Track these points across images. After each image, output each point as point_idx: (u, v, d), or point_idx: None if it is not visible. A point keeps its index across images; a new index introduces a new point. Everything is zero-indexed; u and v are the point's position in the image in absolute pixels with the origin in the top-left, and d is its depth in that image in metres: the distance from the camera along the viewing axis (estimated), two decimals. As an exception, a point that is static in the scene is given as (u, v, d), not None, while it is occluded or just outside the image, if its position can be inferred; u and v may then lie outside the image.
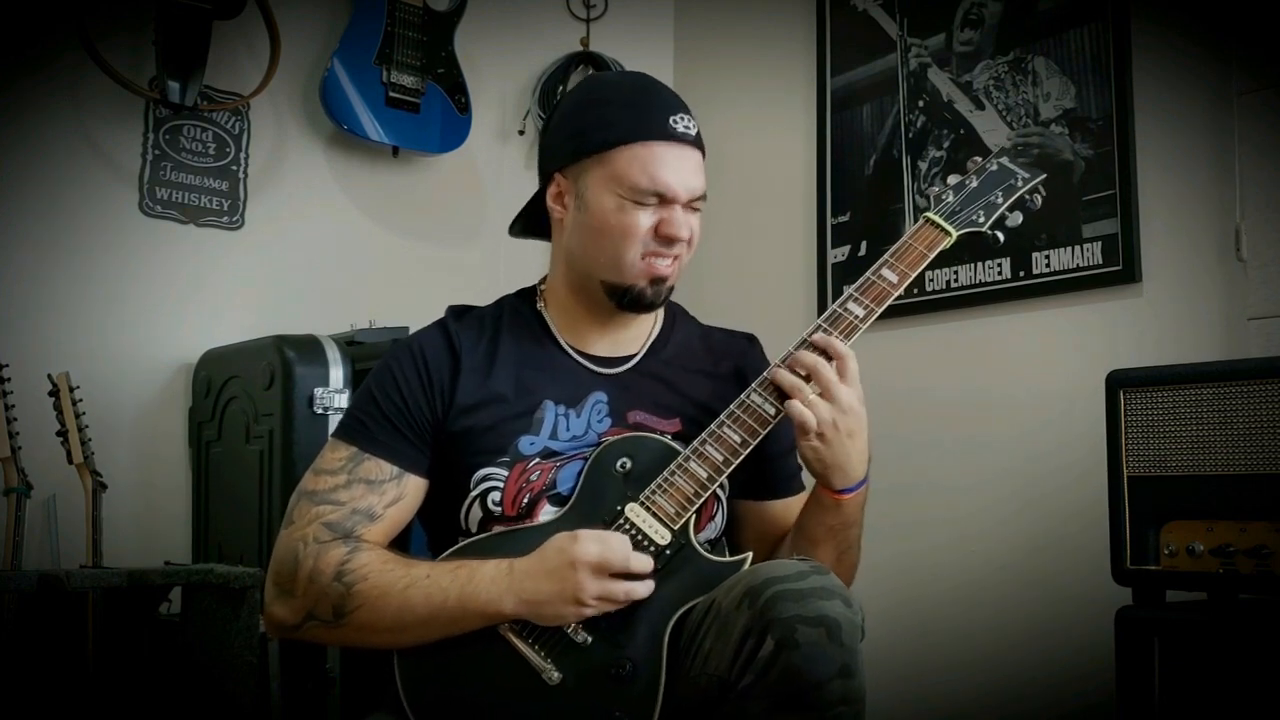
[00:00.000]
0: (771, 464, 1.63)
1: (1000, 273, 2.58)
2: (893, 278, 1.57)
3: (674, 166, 1.51)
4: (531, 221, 1.70)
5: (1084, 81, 2.47)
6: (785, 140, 3.09)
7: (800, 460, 1.52)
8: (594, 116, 1.54)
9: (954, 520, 2.61)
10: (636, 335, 1.65)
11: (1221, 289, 2.25)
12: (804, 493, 1.65)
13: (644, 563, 1.39)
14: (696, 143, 1.55)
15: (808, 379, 1.48)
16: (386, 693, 1.46)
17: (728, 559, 1.46)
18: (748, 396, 1.50)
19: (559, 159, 1.57)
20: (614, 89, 1.57)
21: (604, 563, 1.37)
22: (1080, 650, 2.24)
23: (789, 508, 1.65)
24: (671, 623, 1.41)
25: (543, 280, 1.69)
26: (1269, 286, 2.15)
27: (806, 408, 1.46)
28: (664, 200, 1.52)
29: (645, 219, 1.52)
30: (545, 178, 1.60)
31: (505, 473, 1.50)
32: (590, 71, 3.32)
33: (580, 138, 1.54)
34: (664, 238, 1.53)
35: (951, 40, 2.73)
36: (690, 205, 1.55)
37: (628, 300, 1.57)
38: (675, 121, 1.52)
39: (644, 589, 1.39)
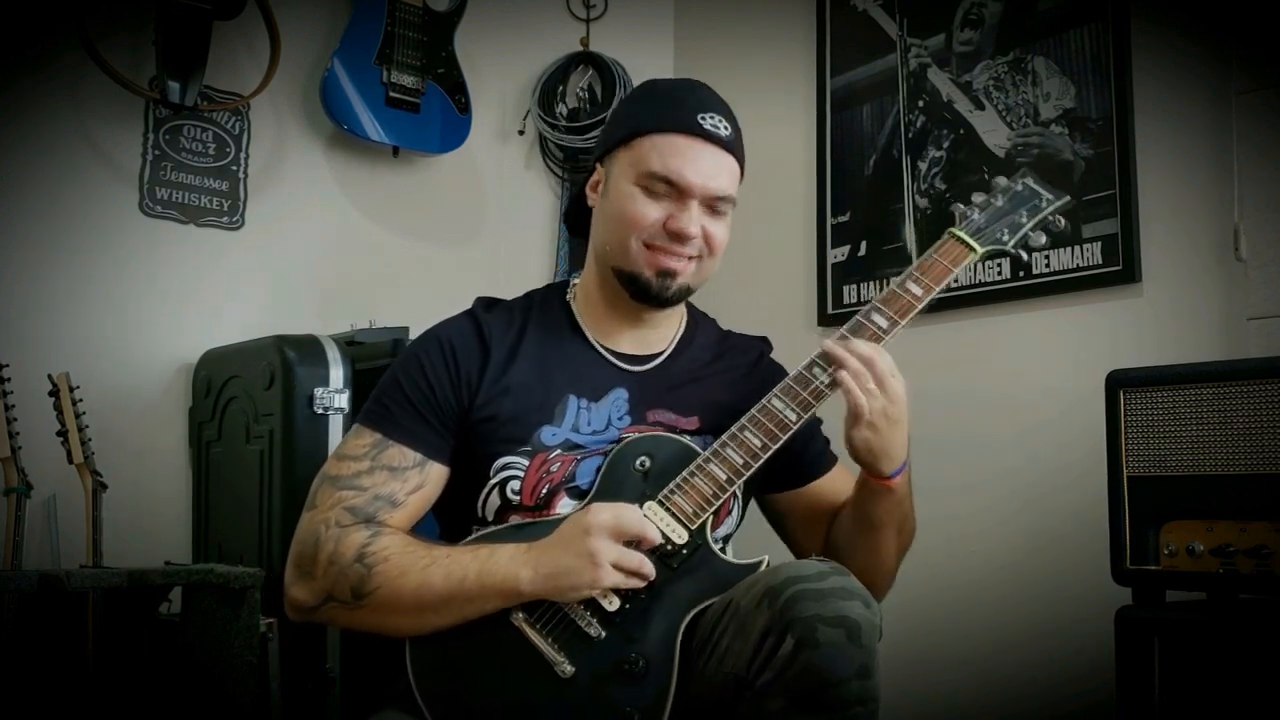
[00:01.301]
0: (801, 450, 1.64)
1: (1000, 273, 2.58)
2: (917, 291, 1.58)
3: (690, 159, 1.54)
4: (577, 220, 1.76)
5: (1084, 81, 2.48)
6: (785, 140, 3.09)
7: (849, 449, 1.53)
8: (632, 109, 1.64)
9: (954, 520, 2.61)
10: (663, 335, 1.67)
11: (1221, 289, 2.25)
12: (837, 464, 1.68)
13: (655, 533, 1.41)
14: (726, 145, 1.57)
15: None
16: (396, 687, 1.46)
17: (743, 561, 1.47)
18: (769, 401, 1.51)
19: (599, 150, 1.65)
20: (658, 87, 1.66)
21: (618, 526, 1.39)
22: (1080, 650, 2.24)
23: (828, 484, 1.68)
24: (686, 621, 1.42)
25: (575, 276, 1.71)
26: (1269, 286, 2.15)
27: (864, 395, 1.47)
28: (678, 194, 1.54)
29: (654, 210, 1.55)
30: (590, 173, 1.67)
31: (526, 462, 1.52)
32: (590, 72, 3.32)
33: (615, 130, 1.62)
34: (671, 233, 1.55)
35: (951, 40, 2.74)
36: (711, 207, 1.57)
37: (636, 289, 1.59)
38: (702, 119, 1.56)
39: (651, 568, 1.41)
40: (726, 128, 1.58)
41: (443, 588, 1.41)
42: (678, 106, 1.58)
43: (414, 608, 1.42)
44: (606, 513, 1.40)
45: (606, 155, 1.62)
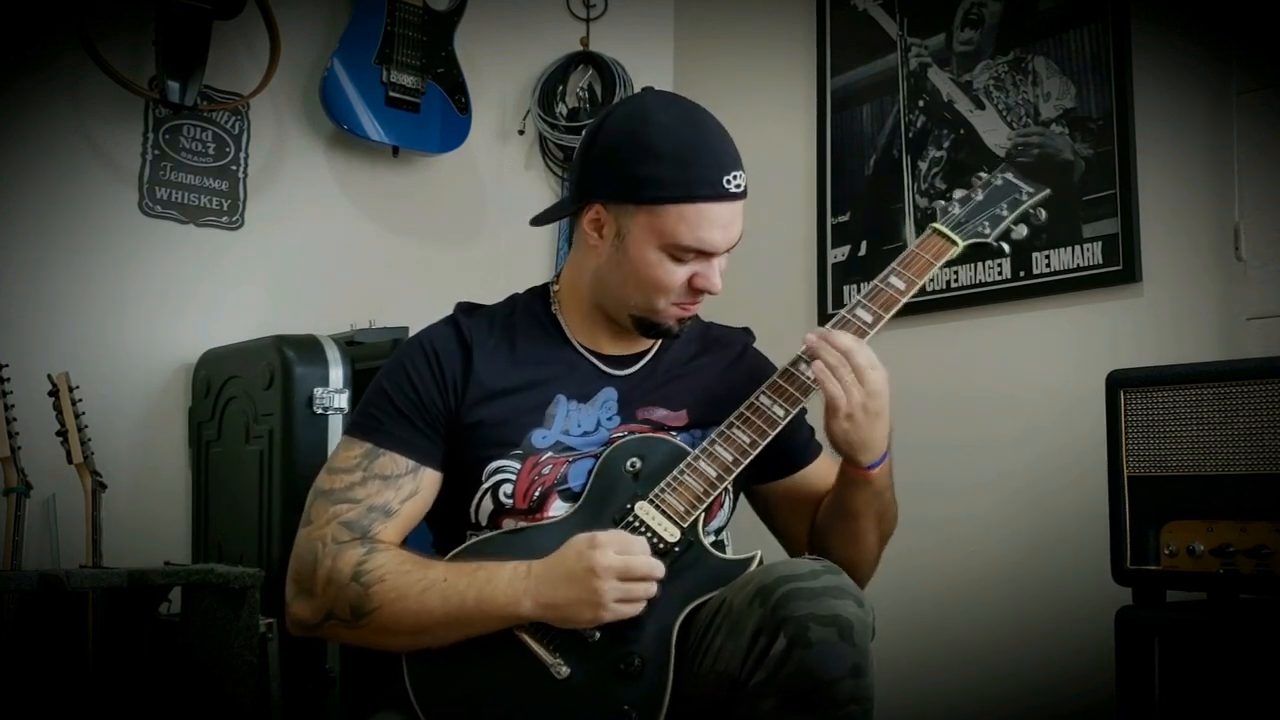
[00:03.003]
0: (786, 440, 1.63)
1: (1000, 273, 2.58)
2: (900, 285, 1.60)
3: (720, 224, 1.51)
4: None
5: (1084, 81, 2.47)
6: (785, 140, 3.09)
7: (829, 440, 1.53)
8: (647, 167, 1.49)
9: (954, 520, 2.61)
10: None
11: (1221, 289, 2.25)
12: (822, 454, 1.68)
13: (660, 568, 1.40)
14: (745, 193, 1.53)
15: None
16: (393, 690, 1.46)
17: (736, 557, 1.48)
18: (756, 398, 1.53)
19: (602, 192, 1.55)
20: (668, 138, 1.49)
21: (625, 569, 1.38)
22: (1080, 650, 2.24)
23: (813, 473, 1.68)
24: (680, 619, 1.42)
25: (555, 279, 1.70)
26: (1269, 286, 2.15)
27: (840, 387, 1.47)
28: (705, 255, 1.53)
29: (681, 273, 1.54)
30: (583, 199, 1.57)
31: (518, 465, 1.52)
32: (590, 72, 3.32)
33: (630, 184, 1.51)
34: (696, 290, 1.56)
35: (951, 40, 2.73)
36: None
37: (654, 333, 1.62)
38: (728, 181, 1.50)
39: (654, 589, 1.40)
40: (744, 177, 1.52)
41: (441, 613, 1.41)
42: (700, 167, 1.49)
43: (414, 630, 1.42)
44: (614, 555, 1.38)
45: (613, 203, 1.53)
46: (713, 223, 1.50)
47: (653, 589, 1.40)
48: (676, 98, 1.60)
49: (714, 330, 1.76)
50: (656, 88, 1.63)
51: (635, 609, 1.39)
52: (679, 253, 1.51)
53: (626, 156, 1.51)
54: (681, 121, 1.52)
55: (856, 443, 1.50)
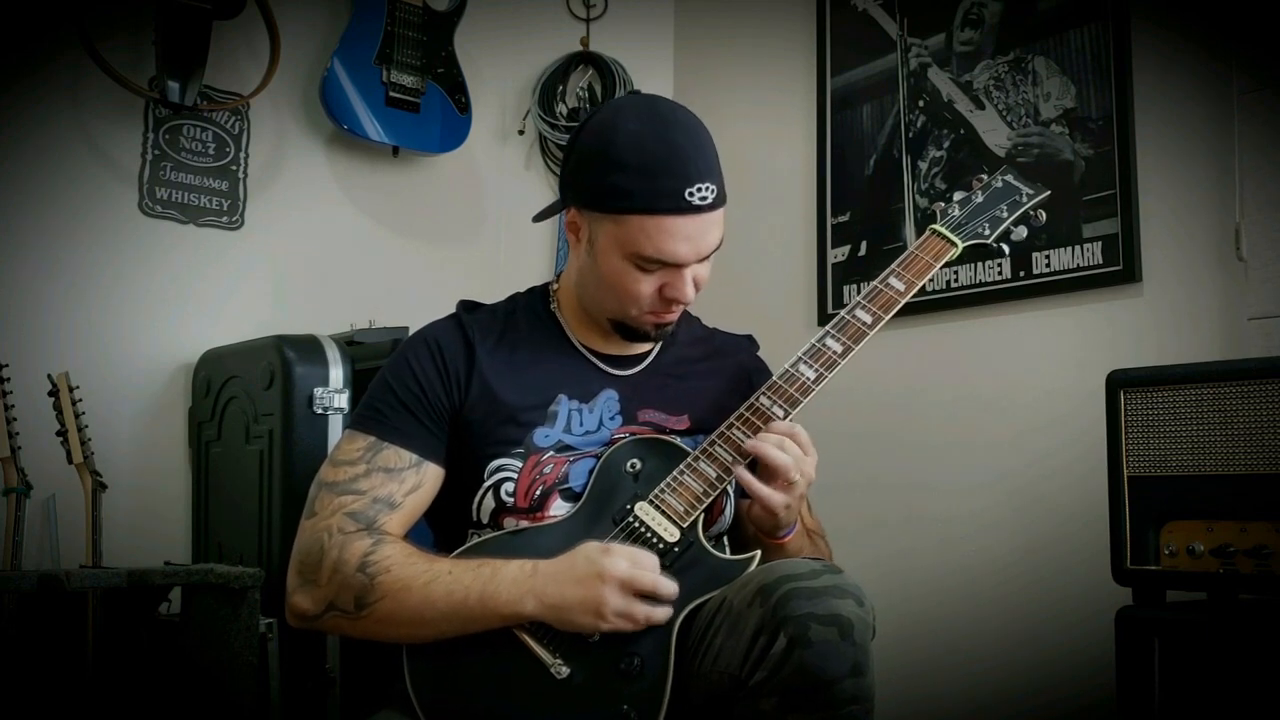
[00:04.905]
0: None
1: (1000, 273, 2.58)
2: (900, 286, 1.61)
3: (684, 236, 1.49)
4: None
5: (1084, 81, 2.47)
6: (785, 140, 3.09)
7: (759, 520, 1.53)
8: (611, 176, 1.48)
9: (954, 520, 2.61)
10: None
11: (1221, 289, 2.24)
12: None
13: (671, 588, 1.40)
14: (715, 205, 1.50)
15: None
16: (393, 689, 1.46)
17: (735, 557, 1.48)
18: (757, 399, 1.54)
19: (576, 196, 1.55)
20: (632, 150, 1.47)
21: (632, 581, 1.38)
22: (1080, 650, 2.24)
23: None
24: (680, 619, 1.42)
25: (556, 279, 1.70)
26: (1269, 286, 2.15)
27: (787, 492, 1.48)
28: (673, 266, 1.52)
29: (649, 283, 1.53)
30: (564, 202, 1.59)
31: (519, 464, 1.52)
32: (590, 72, 3.32)
33: (597, 192, 1.51)
34: (667, 300, 1.55)
35: (951, 40, 2.73)
36: (701, 259, 1.56)
37: (634, 337, 1.62)
38: (691, 194, 1.46)
39: (663, 614, 1.40)
40: (712, 189, 1.48)
41: (445, 606, 1.41)
42: (664, 178, 1.46)
43: (415, 622, 1.42)
44: (624, 563, 1.38)
45: (585, 209, 1.53)
46: (675, 235, 1.48)
47: (657, 614, 1.39)
48: (655, 104, 1.54)
49: (718, 337, 1.76)
50: (643, 92, 1.61)
51: (633, 627, 1.38)
52: (643, 263, 1.51)
53: (594, 164, 1.50)
54: (650, 131, 1.48)
55: (785, 523, 1.52)
